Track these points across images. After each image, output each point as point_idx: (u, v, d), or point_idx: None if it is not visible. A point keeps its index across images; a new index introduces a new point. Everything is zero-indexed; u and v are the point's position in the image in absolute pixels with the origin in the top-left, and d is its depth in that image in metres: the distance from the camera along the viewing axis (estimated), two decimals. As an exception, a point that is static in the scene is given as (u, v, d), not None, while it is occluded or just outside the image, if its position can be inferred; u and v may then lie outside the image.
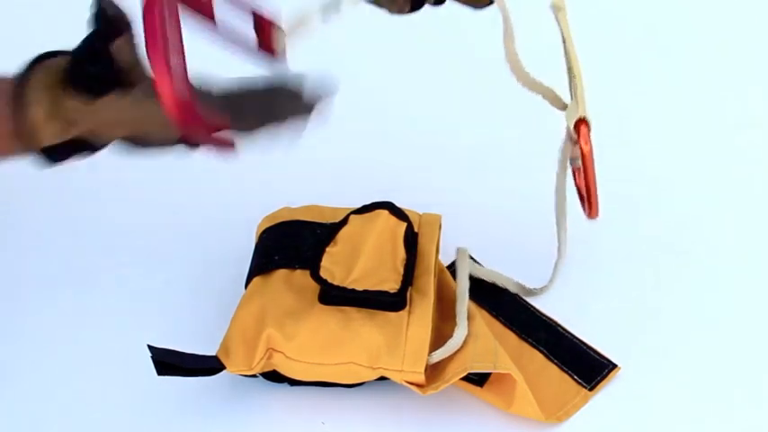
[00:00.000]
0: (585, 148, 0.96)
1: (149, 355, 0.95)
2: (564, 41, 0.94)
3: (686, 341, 1.04)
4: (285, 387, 1.01)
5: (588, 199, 1.02)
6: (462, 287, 1.03)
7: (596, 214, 1.02)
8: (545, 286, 1.09)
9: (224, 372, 0.97)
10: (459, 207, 1.12)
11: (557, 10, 0.94)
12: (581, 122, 0.96)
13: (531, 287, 1.09)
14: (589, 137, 0.96)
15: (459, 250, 1.07)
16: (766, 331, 1.05)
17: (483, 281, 1.08)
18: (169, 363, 0.95)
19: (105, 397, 1.01)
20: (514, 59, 0.95)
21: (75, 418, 0.99)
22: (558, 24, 0.93)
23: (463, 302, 1.01)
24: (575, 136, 0.97)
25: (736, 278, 1.10)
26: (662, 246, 1.12)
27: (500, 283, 1.10)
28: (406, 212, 1.05)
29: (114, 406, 1.00)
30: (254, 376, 1.00)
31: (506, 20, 0.93)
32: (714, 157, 1.21)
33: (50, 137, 0.86)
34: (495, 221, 1.14)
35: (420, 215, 1.07)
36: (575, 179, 1.03)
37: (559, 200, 1.04)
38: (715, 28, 1.35)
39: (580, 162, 0.99)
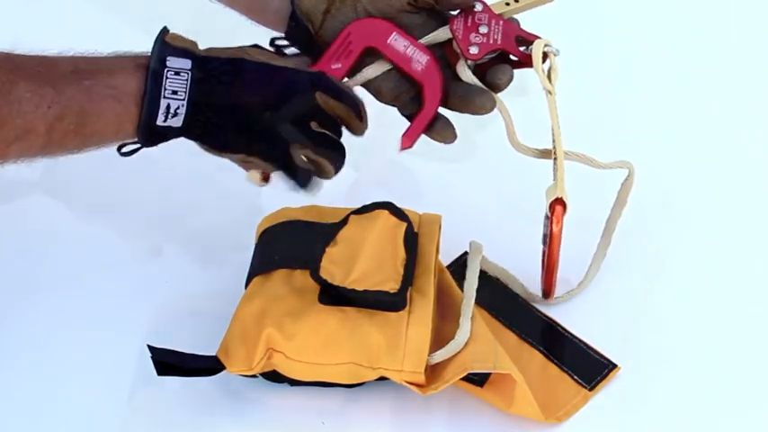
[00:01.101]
0: (555, 229, 1.00)
1: (149, 355, 0.95)
2: (552, 126, 0.99)
3: (686, 341, 1.05)
4: (285, 387, 1.01)
5: (546, 278, 1.05)
6: (471, 285, 1.02)
7: (551, 297, 1.06)
8: (549, 300, 1.09)
9: (224, 372, 0.97)
10: (459, 207, 1.12)
11: (547, 93, 0.99)
12: (557, 202, 1.00)
13: (535, 293, 1.09)
14: (562, 217, 0.99)
15: (472, 245, 1.06)
16: (766, 331, 1.05)
17: (482, 279, 1.05)
18: (169, 363, 0.96)
19: (105, 397, 1.01)
20: (523, 148, 1.02)
21: (74, 418, 1.00)
22: (548, 108, 0.99)
23: (470, 302, 1.00)
24: (549, 214, 1.00)
25: (735, 279, 1.10)
26: (661, 246, 1.13)
27: (504, 279, 1.09)
28: (406, 212, 1.04)
29: (114, 406, 1.00)
30: (254, 376, 1.00)
31: (506, 119, 1.01)
32: (713, 159, 1.22)
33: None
34: (496, 222, 1.13)
35: (420, 215, 1.06)
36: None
37: (605, 237, 1.07)
38: (708, 39, 1.36)
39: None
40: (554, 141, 1.00)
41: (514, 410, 0.99)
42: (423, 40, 1.01)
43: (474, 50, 1.00)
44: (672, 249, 1.12)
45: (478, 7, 1.01)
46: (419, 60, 0.99)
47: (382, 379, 0.98)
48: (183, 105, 0.92)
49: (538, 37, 1.01)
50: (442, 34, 1.02)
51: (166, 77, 0.92)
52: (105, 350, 1.03)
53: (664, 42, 1.33)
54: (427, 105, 0.99)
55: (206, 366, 0.97)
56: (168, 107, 0.92)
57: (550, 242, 1.02)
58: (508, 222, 1.14)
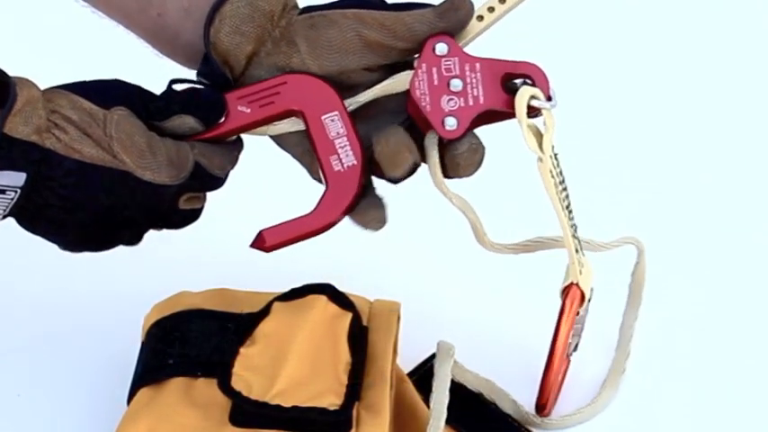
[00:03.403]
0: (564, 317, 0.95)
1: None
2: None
3: (686, 341, 1.08)
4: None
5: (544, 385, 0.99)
6: (439, 401, 0.93)
7: (546, 411, 1.00)
8: (552, 420, 1.00)
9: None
10: (425, 292, 1.08)
11: (538, 160, 0.90)
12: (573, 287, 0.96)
13: (531, 413, 1.01)
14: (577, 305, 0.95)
15: (440, 346, 0.97)
16: (767, 331, 1.10)
17: (458, 392, 0.97)
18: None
19: (104, 397, 1.01)
20: (498, 248, 0.98)
21: (73, 417, 1.00)
22: (541, 177, 0.90)
23: (438, 424, 0.91)
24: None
25: (735, 278, 1.14)
26: (661, 245, 1.11)
27: (489, 395, 1.01)
28: (352, 298, 0.95)
29: (114, 406, 0.96)
30: None
31: (472, 220, 0.94)
32: (710, 153, 1.25)
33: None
34: (477, 312, 1.07)
35: (371, 302, 0.97)
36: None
37: (621, 348, 1.05)
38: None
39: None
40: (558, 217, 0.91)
41: None
42: (375, 90, 0.89)
43: (451, 124, 0.85)
44: (671, 249, 1.13)
45: (441, 50, 0.86)
46: (342, 160, 0.87)
47: None
48: None
49: (533, 67, 0.87)
50: (398, 85, 0.89)
51: None
52: (104, 349, 1.05)
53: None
54: (318, 215, 0.88)
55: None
56: None
57: (556, 332, 0.95)
58: (495, 312, 1.09)
